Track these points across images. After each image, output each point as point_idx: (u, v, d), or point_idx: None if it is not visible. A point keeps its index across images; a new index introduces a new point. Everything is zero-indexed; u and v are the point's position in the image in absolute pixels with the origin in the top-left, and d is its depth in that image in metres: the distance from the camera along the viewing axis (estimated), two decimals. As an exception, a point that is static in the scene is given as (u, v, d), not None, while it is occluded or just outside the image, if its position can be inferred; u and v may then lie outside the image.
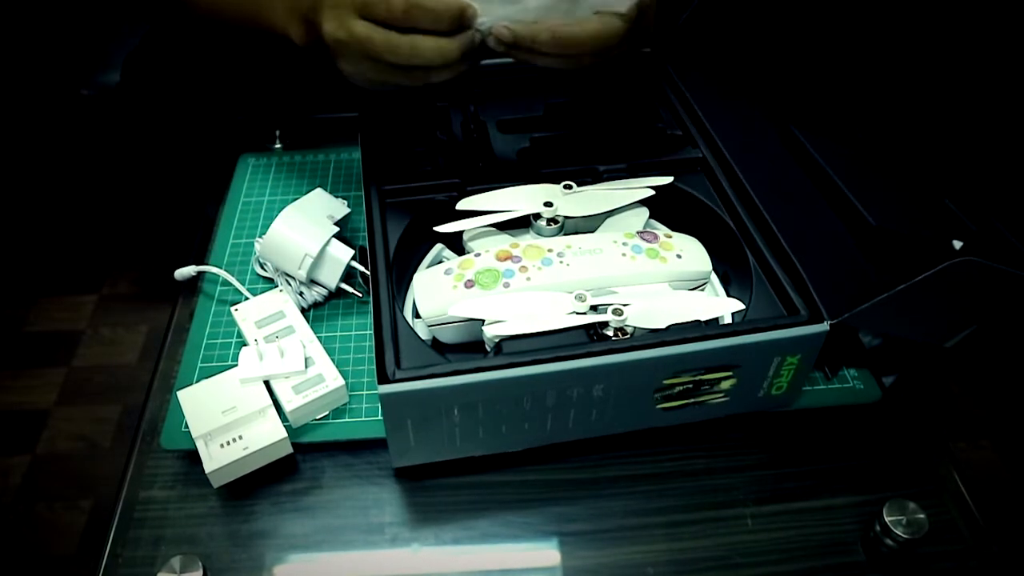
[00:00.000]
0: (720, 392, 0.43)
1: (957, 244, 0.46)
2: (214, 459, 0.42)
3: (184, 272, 0.54)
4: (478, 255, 0.45)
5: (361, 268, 0.52)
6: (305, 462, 0.45)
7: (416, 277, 0.45)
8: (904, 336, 0.46)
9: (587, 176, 0.51)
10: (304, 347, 0.47)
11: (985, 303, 0.42)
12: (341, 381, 0.45)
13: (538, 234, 0.48)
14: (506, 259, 0.44)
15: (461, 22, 0.42)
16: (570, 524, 0.42)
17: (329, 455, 0.45)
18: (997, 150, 0.54)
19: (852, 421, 0.47)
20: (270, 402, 0.44)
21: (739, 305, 0.42)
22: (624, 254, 0.45)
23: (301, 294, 0.52)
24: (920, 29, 0.57)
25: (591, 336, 0.40)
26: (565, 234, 0.48)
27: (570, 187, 0.48)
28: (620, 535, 0.42)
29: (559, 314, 0.41)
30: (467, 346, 0.45)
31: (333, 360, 0.47)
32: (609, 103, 0.57)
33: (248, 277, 0.55)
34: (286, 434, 0.43)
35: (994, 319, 0.44)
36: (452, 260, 0.45)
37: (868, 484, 0.44)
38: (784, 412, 0.47)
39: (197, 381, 0.46)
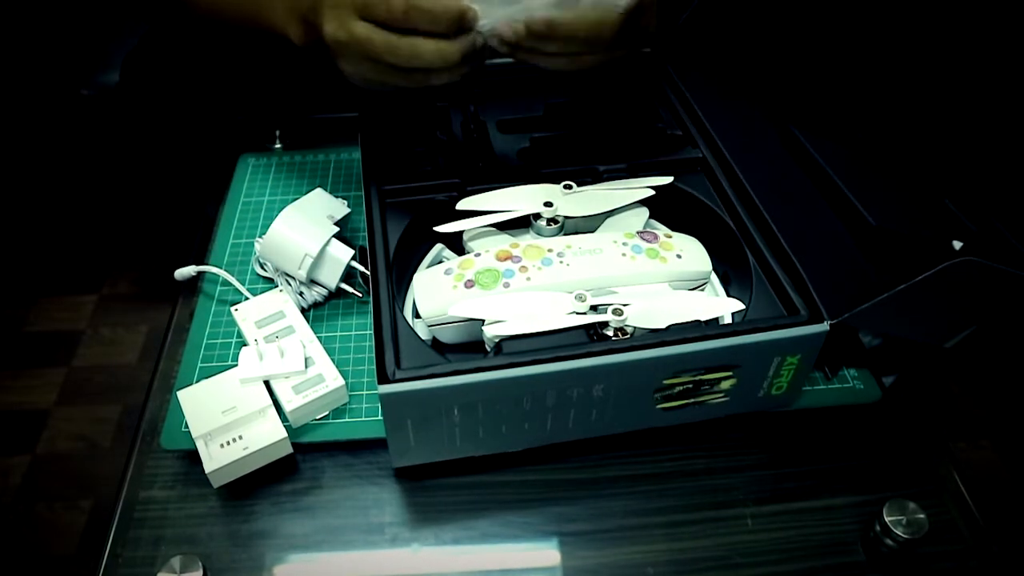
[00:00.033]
0: (720, 392, 0.43)
1: (957, 244, 0.46)
2: (214, 459, 0.42)
3: (184, 272, 0.54)
4: (478, 255, 0.45)
5: (361, 268, 0.52)
6: (305, 462, 0.45)
7: (416, 277, 0.45)
8: (904, 336, 0.46)
9: (587, 176, 0.51)
10: (304, 347, 0.47)
11: (985, 303, 0.42)
12: (341, 381, 0.45)
13: (538, 234, 0.48)
14: (506, 259, 0.44)
15: (461, 24, 0.42)
16: (570, 524, 0.42)
17: (329, 455, 0.45)
18: (997, 151, 0.54)
19: (852, 421, 0.47)
20: (270, 402, 0.44)
21: (739, 305, 0.42)
22: (624, 254, 0.45)
23: (301, 294, 0.52)
24: (920, 29, 0.57)
25: (591, 336, 0.40)
26: (565, 234, 0.48)
27: (570, 187, 0.48)
28: (620, 535, 0.42)
29: (559, 314, 0.41)
30: (467, 346, 0.45)
31: (333, 360, 0.47)
32: (609, 103, 0.57)
33: (248, 277, 0.55)
34: (286, 434, 0.43)
35: (994, 319, 0.44)
36: (452, 260, 0.45)
37: (868, 484, 0.44)
38: (784, 412, 0.47)
39: (197, 381, 0.46)
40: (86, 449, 1.23)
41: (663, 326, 0.41)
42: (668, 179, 0.49)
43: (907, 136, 0.54)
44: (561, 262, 0.44)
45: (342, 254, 0.51)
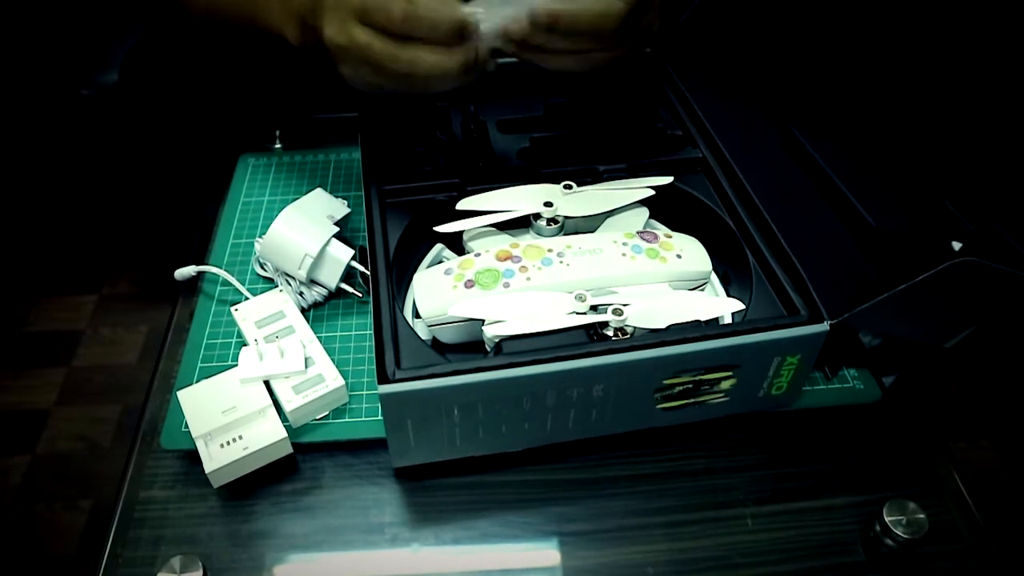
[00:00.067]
0: (720, 392, 0.43)
1: (956, 245, 0.46)
2: (214, 459, 0.42)
3: (184, 272, 0.54)
4: (478, 255, 0.45)
5: (361, 268, 0.52)
6: (305, 462, 0.45)
7: (416, 277, 0.45)
8: (904, 336, 0.46)
9: (587, 176, 0.51)
10: (304, 347, 0.47)
11: (985, 303, 0.42)
12: (341, 381, 0.46)
13: (538, 234, 0.48)
14: (506, 259, 0.44)
15: (461, 35, 0.42)
16: (570, 524, 0.42)
17: (329, 455, 0.45)
18: (996, 152, 0.54)
19: (852, 421, 0.47)
20: (270, 402, 0.44)
21: (739, 305, 0.42)
22: (624, 254, 0.45)
23: (301, 294, 0.52)
24: (920, 29, 0.57)
25: (591, 336, 0.40)
26: (565, 234, 0.48)
27: (570, 187, 0.48)
28: (620, 535, 0.42)
29: (559, 314, 0.41)
30: (467, 346, 0.45)
31: (333, 360, 0.47)
32: (609, 103, 0.57)
33: (248, 277, 0.55)
34: (286, 434, 0.43)
35: (994, 319, 0.44)
36: (452, 260, 0.45)
37: (868, 484, 0.44)
38: (784, 412, 0.47)
39: (197, 381, 0.46)
40: (86, 449, 1.23)
41: (663, 326, 0.41)
42: (668, 179, 0.49)
43: (907, 137, 0.54)
44: (561, 262, 0.44)
45: (342, 254, 0.51)
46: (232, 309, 0.50)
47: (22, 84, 1.40)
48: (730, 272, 0.48)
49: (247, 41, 0.52)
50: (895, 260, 0.45)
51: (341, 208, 0.54)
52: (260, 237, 0.57)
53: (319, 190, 0.54)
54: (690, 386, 0.41)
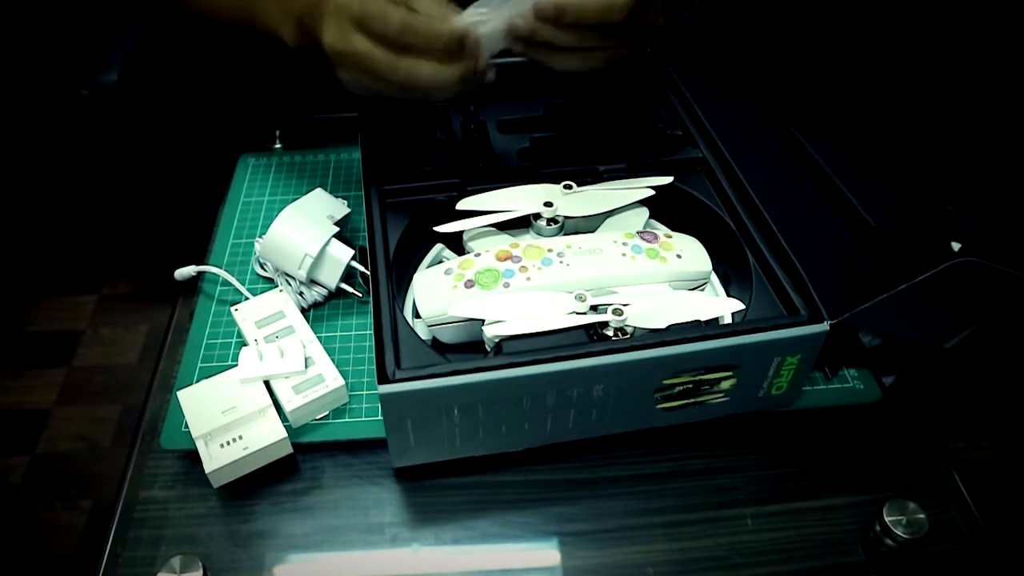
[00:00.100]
0: (720, 392, 0.43)
1: (956, 246, 0.46)
2: (214, 459, 0.42)
3: (184, 272, 0.54)
4: (478, 255, 0.45)
5: (361, 268, 0.52)
6: (305, 462, 0.45)
7: (416, 277, 0.45)
8: (904, 336, 0.46)
9: (587, 176, 0.51)
10: (304, 347, 0.47)
11: (985, 304, 0.42)
12: (341, 381, 0.45)
13: (538, 234, 0.48)
14: (506, 259, 0.44)
15: (460, 47, 0.42)
16: (570, 524, 0.42)
17: (329, 455, 0.45)
18: (995, 153, 0.54)
19: (852, 421, 0.47)
20: (270, 402, 0.44)
21: (739, 305, 0.42)
22: (624, 254, 0.45)
23: (301, 294, 0.52)
24: (920, 30, 0.57)
25: (591, 336, 0.40)
26: (565, 234, 0.48)
27: (570, 187, 0.48)
28: (620, 535, 0.42)
29: (559, 314, 0.41)
30: (467, 346, 0.45)
31: (333, 360, 0.47)
32: (609, 103, 0.57)
33: (248, 277, 0.55)
34: (286, 434, 0.43)
35: (994, 319, 0.44)
36: (452, 260, 0.45)
37: (868, 484, 0.44)
38: (784, 412, 0.47)
39: (197, 381, 0.46)
40: (86, 449, 1.23)
41: (663, 326, 0.41)
42: (668, 179, 0.49)
43: (906, 137, 0.54)
44: (561, 262, 0.44)
45: (342, 254, 0.51)
46: (232, 309, 0.50)
47: (22, 84, 1.40)
48: (730, 272, 0.48)
49: (247, 41, 0.52)
50: (895, 260, 0.45)
51: (341, 208, 0.54)
52: (260, 237, 0.57)
53: (319, 190, 0.54)
54: (690, 386, 0.41)
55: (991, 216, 0.47)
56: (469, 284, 0.43)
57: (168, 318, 0.54)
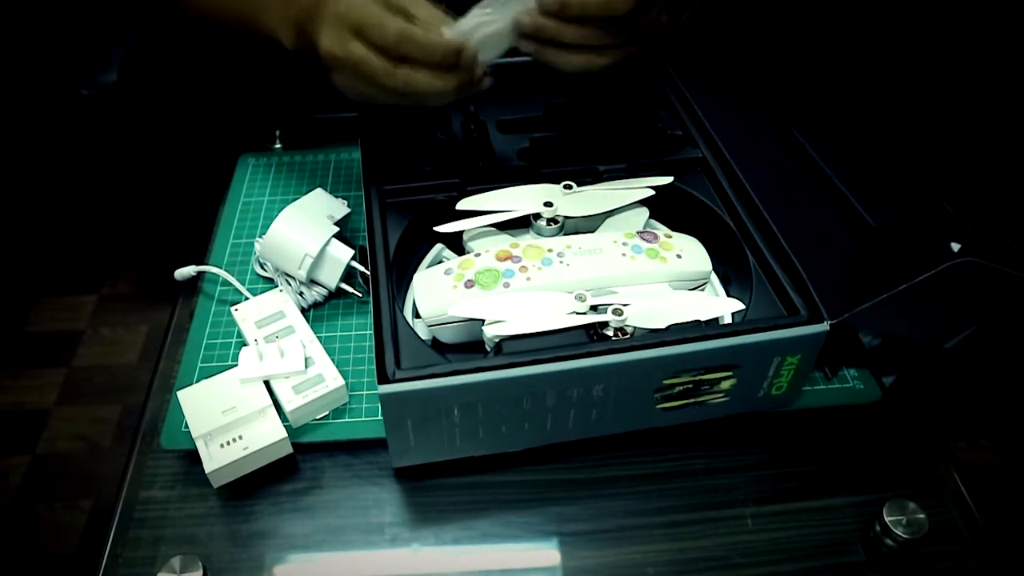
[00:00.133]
0: (720, 392, 0.43)
1: (955, 246, 0.46)
2: (214, 459, 0.42)
3: (184, 272, 0.54)
4: (478, 255, 0.45)
5: (361, 268, 0.52)
6: (305, 462, 0.45)
7: (416, 277, 0.45)
8: (904, 336, 0.46)
9: (587, 176, 0.51)
10: (304, 347, 0.47)
11: (984, 304, 0.42)
12: (341, 381, 0.45)
13: (538, 234, 0.48)
14: (506, 259, 0.44)
15: (456, 60, 0.42)
16: (570, 524, 0.42)
17: (329, 455, 0.45)
18: (994, 154, 0.54)
19: (852, 421, 0.47)
20: (270, 402, 0.44)
21: (739, 305, 0.42)
22: (624, 254, 0.45)
23: (301, 294, 0.52)
24: (919, 31, 0.57)
25: (591, 336, 0.40)
26: (565, 234, 0.48)
27: (570, 187, 0.48)
28: (620, 535, 0.42)
29: (559, 314, 0.41)
30: (467, 346, 0.45)
31: (333, 360, 0.47)
32: (609, 103, 0.57)
33: (248, 277, 0.55)
34: (286, 434, 0.43)
35: (994, 319, 0.44)
36: (452, 260, 0.45)
37: (868, 484, 0.44)
38: (784, 412, 0.47)
39: (197, 381, 0.46)
40: (86, 449, 1.23)
41: (663, 326, 0.41)
42: (668, 179, 0.49)
43: (906, 138, 0.54)
44: (561, 262, 0.44)
45: (342, 254, 0.51)
46: (232, 309, 0.50)
47: (22, 84, 1.40)
48: (730, 272, 0.48)
49: (247, 41, 0.52)
50: (895, 260, 0.45)
51: (341, 208, 0.54)
52: (260, 237, 0.57)
53: (319, 190, 0.54)
54: (690, 386, 0.41)
55: (990, 216, 0.47)
56: (469, 284, 0.43)
57: (168, 318, 0.54)
